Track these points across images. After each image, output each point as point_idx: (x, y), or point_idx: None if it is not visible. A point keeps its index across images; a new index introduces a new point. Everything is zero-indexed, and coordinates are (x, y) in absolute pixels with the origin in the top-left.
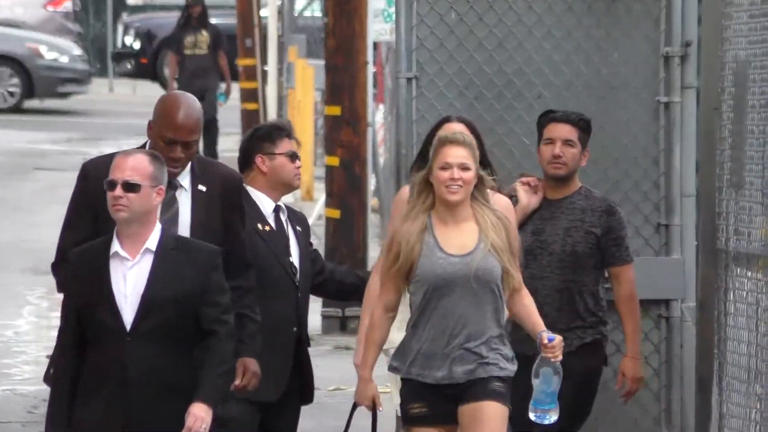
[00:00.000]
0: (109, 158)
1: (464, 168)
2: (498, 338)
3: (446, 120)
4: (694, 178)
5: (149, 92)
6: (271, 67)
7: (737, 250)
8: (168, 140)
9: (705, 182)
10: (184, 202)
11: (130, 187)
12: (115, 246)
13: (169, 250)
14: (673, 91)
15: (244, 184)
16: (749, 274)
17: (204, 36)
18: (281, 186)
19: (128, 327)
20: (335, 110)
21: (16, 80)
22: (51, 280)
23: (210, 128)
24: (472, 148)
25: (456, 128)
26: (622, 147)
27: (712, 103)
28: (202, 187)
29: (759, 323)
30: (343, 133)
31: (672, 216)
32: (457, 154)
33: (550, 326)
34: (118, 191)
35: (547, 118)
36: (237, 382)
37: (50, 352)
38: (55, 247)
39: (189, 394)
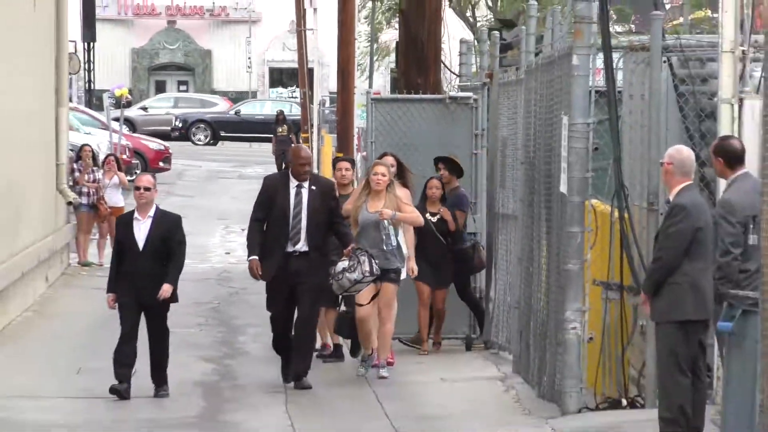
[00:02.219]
0: (278, 173)
1: (383, 174)
2: (392, 250)
3: (384, 154)
4: (485, 183)
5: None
6: (314, 138)
7: (503, 212)
8: (299, 164)
9: (492, 185)
10: (305, 195)
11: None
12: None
13: None
14: (479, 148)
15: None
16: (507, 223)
17: (285, 127)
18: None
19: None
20: (340, 154)
21: None
22: (227, 223)
23: None
24: (387, 167)
25: (388, 159)
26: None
27: (494, 153)
28: (314, 188)
29: (510, 243)
30: None
31: (475, 198)
32: (378, 170)
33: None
34: None
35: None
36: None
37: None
38: (229, 212)
39: None
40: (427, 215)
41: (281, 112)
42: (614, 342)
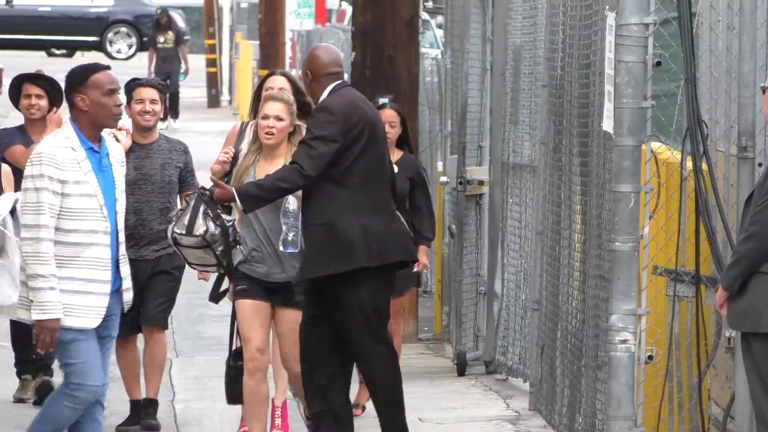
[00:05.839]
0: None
1: (277, 119)
2: (293, 251)
3: (271, 74)
4: (489, 118)
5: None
6: (225, 45)
7: (514, 162)
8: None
9: (496, 121)
10: None
11: None
12: None
13: None
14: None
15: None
16: (521, 177)
17: (170, 35)
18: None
19: None
20: (265, 72)
21: None
22: None
23: (173, 98)
24: (288, 104)
25: (278, 81)
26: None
27: (500, 71)
28: None
29: (525, 207)
30: None
31: (483, 141)
32: (268, 110)
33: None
34: None
35: (135, 83)
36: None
37: None
38: None
39: None
40: None
41: (164, 13)
42: (686, 363)
